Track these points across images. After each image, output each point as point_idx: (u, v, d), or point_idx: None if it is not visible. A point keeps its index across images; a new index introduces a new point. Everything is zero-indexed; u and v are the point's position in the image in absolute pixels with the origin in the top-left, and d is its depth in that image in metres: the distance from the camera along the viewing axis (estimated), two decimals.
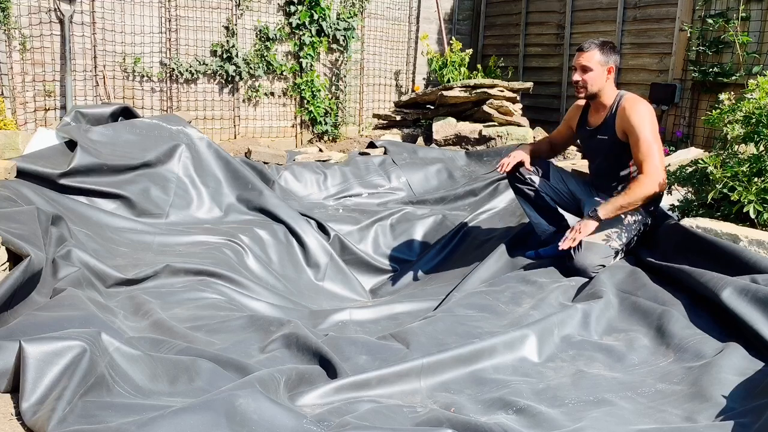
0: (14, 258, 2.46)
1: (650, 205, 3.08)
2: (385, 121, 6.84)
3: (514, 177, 3.37)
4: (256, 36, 6.70)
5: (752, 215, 2.69)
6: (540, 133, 5.97)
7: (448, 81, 7.28)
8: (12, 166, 3.49)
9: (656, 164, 2.87)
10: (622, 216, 3.00)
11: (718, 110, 3.07)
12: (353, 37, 7.27)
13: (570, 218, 3.46)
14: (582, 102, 3.28)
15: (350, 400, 1.90)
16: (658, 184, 2.88)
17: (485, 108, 6.04)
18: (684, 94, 6.18)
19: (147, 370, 1.89)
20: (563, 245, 2.97)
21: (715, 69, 5.78)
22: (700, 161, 2.99)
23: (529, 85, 6.42)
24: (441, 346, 2.28)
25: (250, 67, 6.67)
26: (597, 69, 3.03)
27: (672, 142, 6.12)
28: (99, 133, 4.12)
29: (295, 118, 7.16)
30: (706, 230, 2.76)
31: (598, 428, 1.74)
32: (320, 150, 6.15)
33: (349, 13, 7.19)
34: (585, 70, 3.03)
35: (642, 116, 2.94)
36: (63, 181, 3.63)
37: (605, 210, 2.94)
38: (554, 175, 3.37)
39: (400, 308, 3.02)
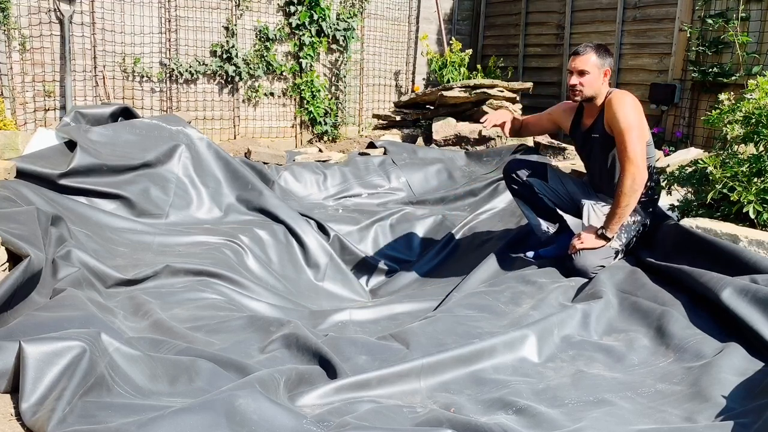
0: (14, 258, 2.45)
1: (648, 206, 3.08)
2: (384, 122, 6.83)
3: (511, 179, 3.38)
4: (256, 36, 6.70)
5: (752, 215, 2.70)
6: None
7: (448, 81, 7.28)
8: (12, 166, 3.48)
9: (630, 157, 2.83)
10: None
11: (718, 110, 3.07)
12: (353, 38, 7.27)
13: (569, 219, 3.46)
14: (572, 104, 3.26)
15: (350, 400, 1.90)
16: (635, 175, 2.83)
17: (485, 108, 6.03)
18: (684, 94, 6.17)
19: (147, 371, 1.89)
20: (571, 250, 3.02)
21: (715, 69, 5.78)
22: (699, 161, 2.99)
23: (529, 85, 6.41)
24: (441, 347, 2.28)
25: (250, 68, 6.67)
26: (594, 72, 2.98)
27: (672, 142, 6.12)
28: (99, 134, 4.12)
29: (295, 118, 7.16)
30: (706, 230, 2.76)
31: (598, 428, 1.74)
32: (320, 150, 6.15)
33: (349, 14, 7.19)
34: (582, 73, 2.99)
35: (622, 105, 2.89)
36: (63, 182, 3.63)
37: (610, 227, 2.95)
38: (552, 176, 3.36)
39: (400, 308, 3.02)
